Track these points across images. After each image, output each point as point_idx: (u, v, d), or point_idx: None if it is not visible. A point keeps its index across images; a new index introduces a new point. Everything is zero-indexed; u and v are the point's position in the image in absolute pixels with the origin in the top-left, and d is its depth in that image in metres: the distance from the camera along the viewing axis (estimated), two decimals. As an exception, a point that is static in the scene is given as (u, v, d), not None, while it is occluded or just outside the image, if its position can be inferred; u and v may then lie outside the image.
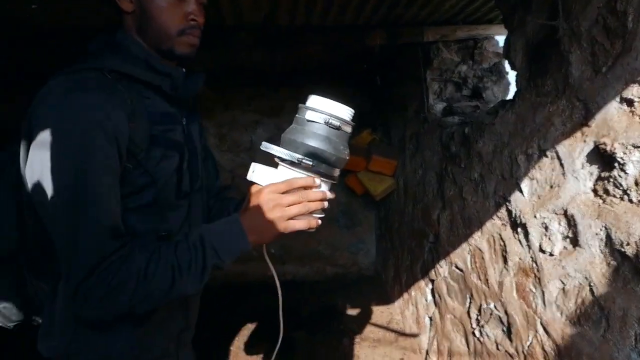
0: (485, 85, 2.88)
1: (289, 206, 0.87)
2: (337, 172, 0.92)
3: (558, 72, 1.46)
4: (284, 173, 0.89)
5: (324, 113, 0.87)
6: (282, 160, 0.88)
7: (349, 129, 0.91)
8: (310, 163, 0.84)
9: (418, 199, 3.06)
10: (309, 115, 0.88)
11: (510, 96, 2.74)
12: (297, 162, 0.85)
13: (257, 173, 0.91)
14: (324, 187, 0.91)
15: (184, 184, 1.01)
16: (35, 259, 0.95)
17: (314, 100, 0.91)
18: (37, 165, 0.79)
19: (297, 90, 4.50)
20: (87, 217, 0.78)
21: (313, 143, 0.86)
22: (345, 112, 0.90)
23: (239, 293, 3.98)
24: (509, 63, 1.82)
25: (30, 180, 0.80)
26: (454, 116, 2.71)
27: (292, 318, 3.62)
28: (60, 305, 0.93)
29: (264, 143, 0.88)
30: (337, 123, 0.87)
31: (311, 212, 0.90)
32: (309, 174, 0.88)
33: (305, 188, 0.88)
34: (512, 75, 2.20)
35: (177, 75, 0.98)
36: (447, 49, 2.96)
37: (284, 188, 0.87)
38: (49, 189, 0.78)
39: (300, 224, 0.89)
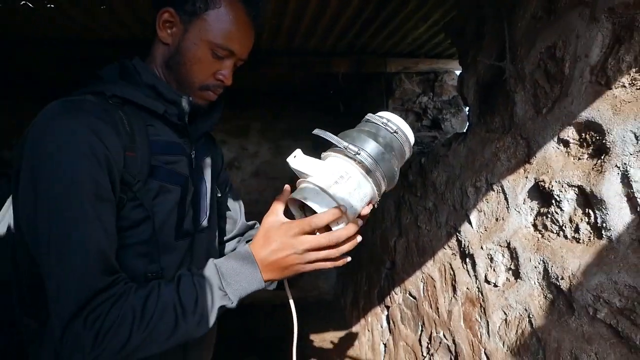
0: (445, 117, 2.97)
1: (314, 251, 0.79)
2: (382, 185, 0.82)
3: (505, 110, 1.53)
4: (329, 163, 0.81)
5: (383, 117, 0.85)
6: (332, 149, 0.82)
7: (406, 147, 0.86)
8: (356, 149, 0.78)
9: (377, 226, 3.09)
10: (368, 116, 0.86)
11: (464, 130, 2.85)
12: (343, 148, 0.79)
13: (299, 160, 0.81)
14: (364, 194, 0.80)
15: (186, 222, 0.92)
16: (25, 291, 0.84)
17: (380, 112, 0.88)
18: (23, 192, 0.73)
19: (262, 111, 4.53)
20: (71, 248, 0.70)
21: (364, 135, 0.81)
22: (405, 126, 0.86)
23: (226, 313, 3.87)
24: (462, 99, 1.90)
25: (19, 209, 0.74)
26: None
27: (247, 342, 3.55)
28: (47, 351, 0.81)
29: (316, 129, 0.82)
30: (394, 127, 0.84)
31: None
32: (355, 166, 0.79)
33: (333, 223, 0.78)
34: (468, 109, 2.30)
35: (183, 104, 0.91)
36: (409, 80, 3.06)
37: (308, 229, 0.78)
38: (33, 219, 0.71)
39: (325, 265, 0.82)
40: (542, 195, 1.31)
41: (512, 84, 1.47)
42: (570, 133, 1.20)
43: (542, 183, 1.28)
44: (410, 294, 2.37)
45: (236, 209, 1.21)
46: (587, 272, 1.11)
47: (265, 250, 0.80)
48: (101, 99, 0.82)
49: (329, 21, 2.50)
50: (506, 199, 1.49)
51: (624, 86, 1.03)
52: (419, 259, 2.28)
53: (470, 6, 1.80)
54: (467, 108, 1.86)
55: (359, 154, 0.78)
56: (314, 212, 0.78)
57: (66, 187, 0.71)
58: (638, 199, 0.97)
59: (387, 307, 2.76)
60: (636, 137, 0.98)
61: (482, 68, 1.71)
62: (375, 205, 0.85)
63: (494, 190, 1.57)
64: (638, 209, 0.97)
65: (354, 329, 3.59)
